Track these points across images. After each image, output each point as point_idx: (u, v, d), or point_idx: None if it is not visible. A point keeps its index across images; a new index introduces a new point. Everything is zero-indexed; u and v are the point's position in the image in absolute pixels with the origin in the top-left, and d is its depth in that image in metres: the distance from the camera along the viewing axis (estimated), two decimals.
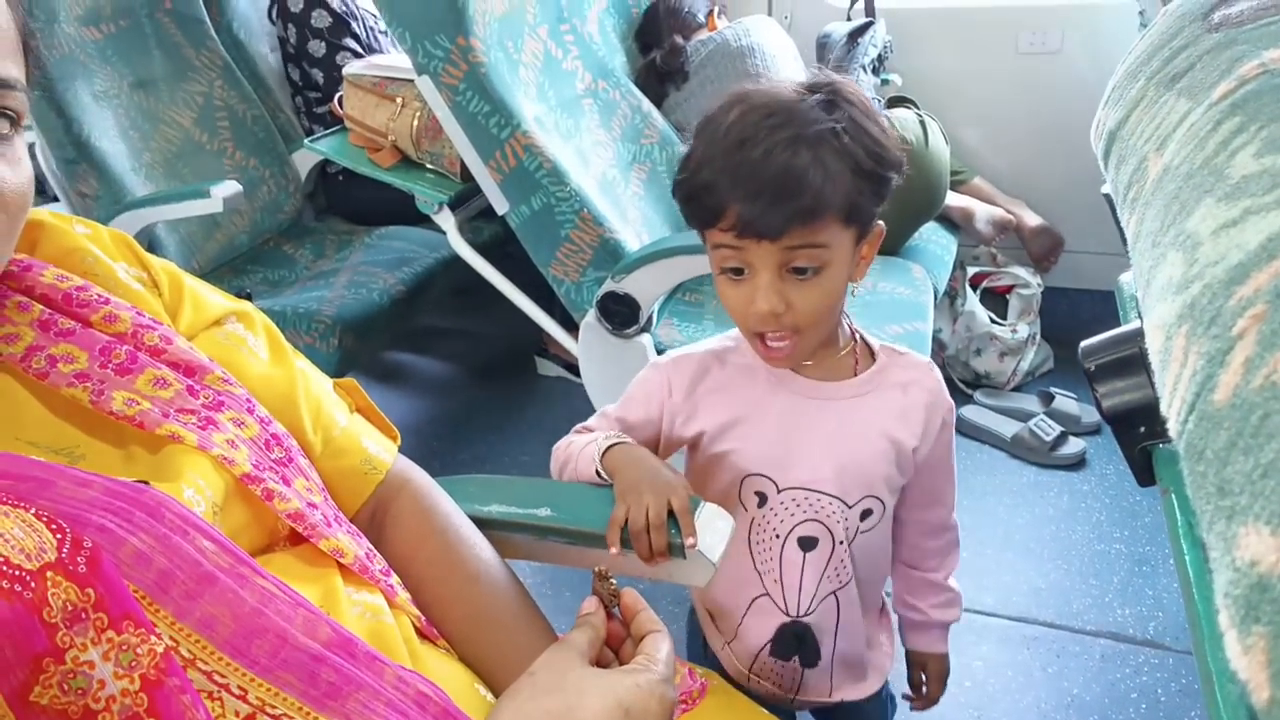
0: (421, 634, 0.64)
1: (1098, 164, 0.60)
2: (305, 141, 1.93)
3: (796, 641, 0.85)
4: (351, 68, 1.76)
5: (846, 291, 0.77)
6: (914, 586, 0.94)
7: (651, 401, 0.83)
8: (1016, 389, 2.17)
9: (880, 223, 0.76)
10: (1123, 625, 1.51)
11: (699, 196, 0.71)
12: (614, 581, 0.62)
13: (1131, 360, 0.42)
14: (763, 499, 0.82)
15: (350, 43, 2.11)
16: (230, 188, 1.59)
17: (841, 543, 0.82)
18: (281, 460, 0.62)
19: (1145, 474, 0.43)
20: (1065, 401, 2.03)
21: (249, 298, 1.67)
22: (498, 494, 0.78)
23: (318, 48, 2.12)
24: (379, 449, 0.72)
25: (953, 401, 0.86)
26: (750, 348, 0.79)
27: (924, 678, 0.98)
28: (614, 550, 0.72)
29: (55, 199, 1.76)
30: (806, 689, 0.89)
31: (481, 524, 0.73)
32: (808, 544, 0.82)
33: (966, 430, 2.03)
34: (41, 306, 0.58)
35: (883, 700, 0.96)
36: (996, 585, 1.60)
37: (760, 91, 0.72)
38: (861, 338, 0.83)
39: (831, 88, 0.71)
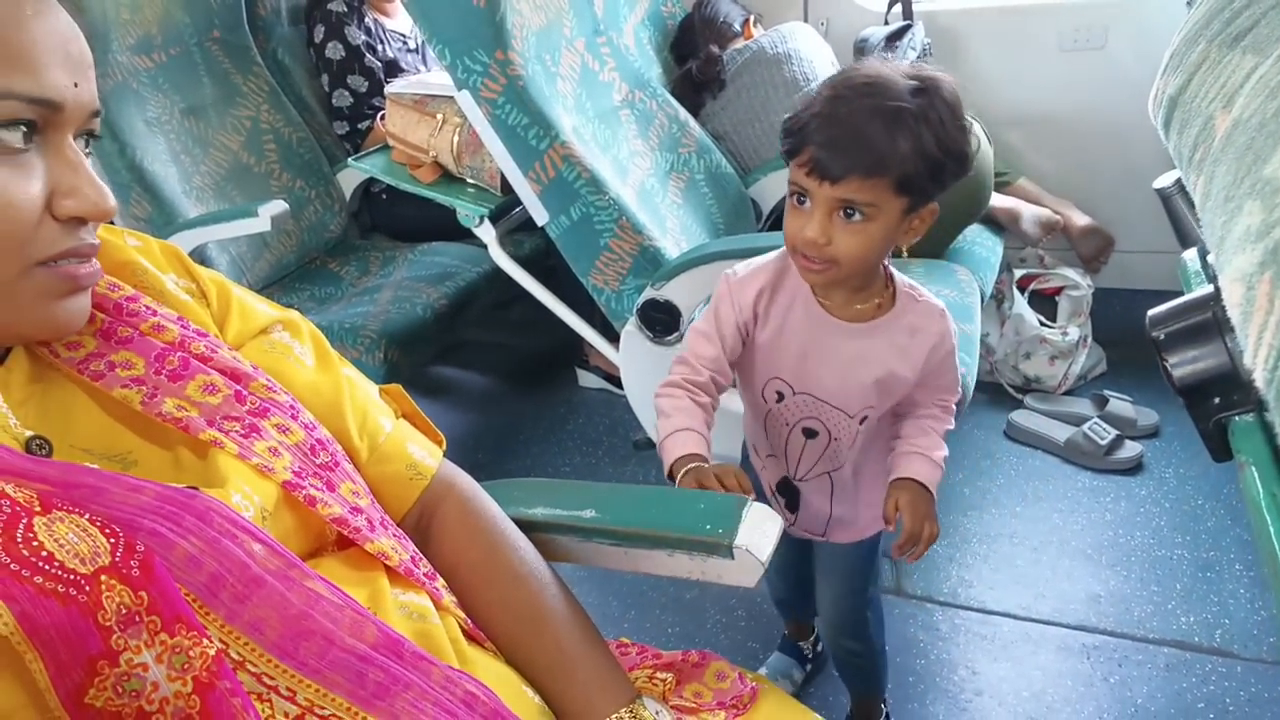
0: (469, 636, 0.64)
1: (1148, 160, 0.58)
2: (349, 160, 1.96)
3: (788, 490, 1.08)
4: (393, 87, 1.79)
5: (888, 251, 0.90)
6: (908, 431, 1.02)
7: (731, 322, 0.98)
8: (1068, 393, 2.12)
9: (934, 204, 0.87)
10: (1188, 633, 1.46)
11: (793, 133, 0.85)
12: None
13: (1204, 326, 0.40)
14: (781, 396, 1.00)
15: (355, 80, 2.13)
16: (277, 206, 1.62)
17: (837, 439, 1.00)
18: (327, 465, 0.63)
19: (1221, 449, 0.41)
20: (1120, 404, 1.98)
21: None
22: (542, 497, 0.78)
23: (325, 81, 2.16)
24: (424, 454, 0.73)
25: (954, 340, 0.98)
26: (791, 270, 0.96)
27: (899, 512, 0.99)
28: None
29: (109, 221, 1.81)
30: (802, 524, 1.11)
31: (526, 526, 0.73)
32: (810, 434, 1.01)
33: (1018, 435, 1.98)
34: (103, 315, 0.60)
35: (865, 545, 1.13)
36: (1054, 593, 1.56)
37: (875, 66, 0.86)
38: (894, 288, 0.96)
39: (932, 80, 0.83)
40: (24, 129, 0.49)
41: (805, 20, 2.31)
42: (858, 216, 0.84)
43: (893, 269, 0.96)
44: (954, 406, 1.03)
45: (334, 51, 2.12)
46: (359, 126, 2.16)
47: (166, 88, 1.86)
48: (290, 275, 2.00)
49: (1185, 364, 0.41)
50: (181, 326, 0.63)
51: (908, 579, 1.61)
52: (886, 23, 2.20)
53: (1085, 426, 1.89)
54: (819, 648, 1.44)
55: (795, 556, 1.22)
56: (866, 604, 1.20)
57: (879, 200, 0.83)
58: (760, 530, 0.69)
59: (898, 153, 0.80)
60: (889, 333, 0.95)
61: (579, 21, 1.63)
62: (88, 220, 0.53)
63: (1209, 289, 0.40)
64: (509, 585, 0.68)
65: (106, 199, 0.53)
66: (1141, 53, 2.11)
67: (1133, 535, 1.68)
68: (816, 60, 1.98)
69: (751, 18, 2.16)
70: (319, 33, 2.13)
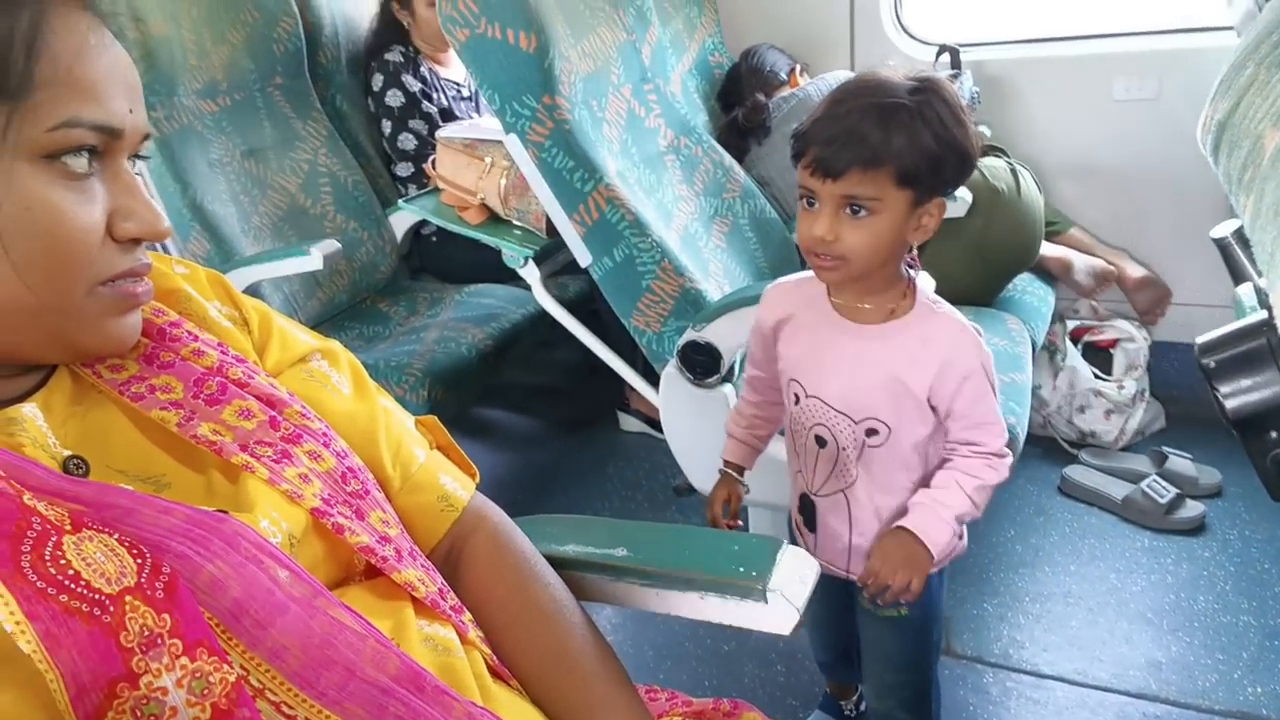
0: (494, 672, 0.63)
1: (1205, 210, 0.55)
2: (400, 202, 2.00)
3: (807, 507, 1.07)
4: (444, 131, 1.83)
5: (901, 249, 0.92)
6: (935, 479, 0.99)
7: (757, 327, 1.06)
8: (1125, 449, 2.05)
9: (942, 199, 0.90)
10: (1255, 704, 1.37)
11: (798, 138, 0.90)
12: None
13: (1258, 354, 0.37)
14: (797, 399, 1.01)
15: (416, 124, 2.19)
16: (329, 246, 1.66)
17: (844, 449, 0.99)
18: (357, 493, 0.62)
19: (1279, 486, 0.38)
20: (1180, 462, 1.90)
21: None
22: (574, 534, 0.76)
23: (385, 126, 2.22)
24: (456, 486, 0.72)
25: (979, 363, 0.94)
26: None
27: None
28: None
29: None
30: (822, 550, 1.08)
31: (557, 563, 0.72)
32: (820, 441, 1.01)
33: (1072, 491, 1.91)
34: (146, 340, 0.61)
35: (912, 619, 1.07)
36: (1112, 658, 1.49)
37: (874, 72, 0.90)
38: (916, 298, 0.96)
39: (929, 80, 0.88)
40: (87, 155, 0.51)
41: (851, 69, 2.32)
42: (863, 212, 0.87)
43: (919, 283, 0.96)
44: (994, 456, 0.97)
45: (394, 99, 2.18)
46: (424, 166, 2.21)
47: (229, 130, 1.93)
48: (341, 314, 2.03)
49: (1239, 394, 0.38)
50: (221, 352, 0.63)
51: (956, 638, 1.55)
52: None
53: (1144, 484, 1.82)
54: (861, 707, 1.39)
55: (835, 614, 1.17)
56: (929, 684, 1.14)
57: (882, 194, 0.86)
58: (795, 575, 0.67)
59: (893, 146, 0.84)
60: (899, 337, 0.95)
61: (626, 69, 1.65)
62: (142, 240, 0.55)
63: (1262, 315, 0.38)
64: (537, 622, 0.67)
65: (161, 220, 0.55)
66: (1195, 104, 2.06)
67: (1195, 599, 1.60)
68: None
69: (797, 67, 2.18)
70: (377, 81, 2.20)
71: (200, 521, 0.51)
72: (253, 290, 1.76)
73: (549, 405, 2.53)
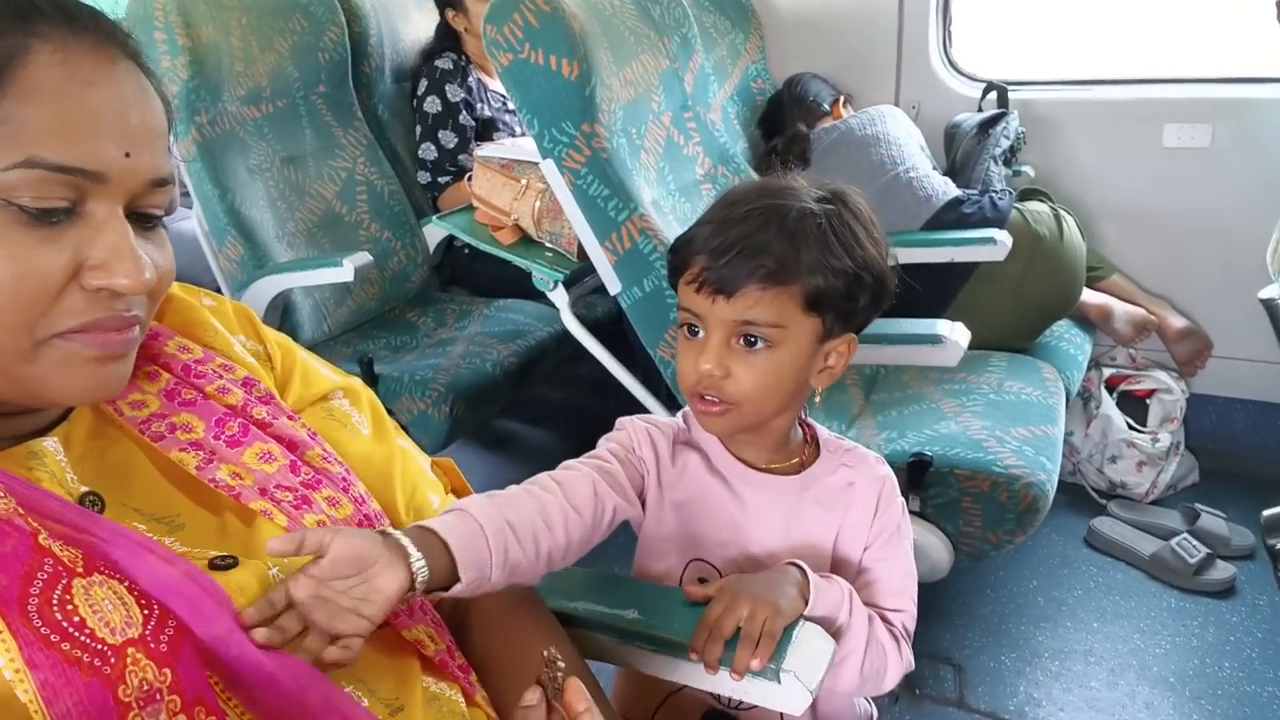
0: None
1: (1251, 263, 0.52)
2: (434, 217, 2.01)
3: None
4: (482, 150, 1.84)
5: (802, 393, 0.76)
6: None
7: (642, 450, 0.81)
8: (1156, 502, 2.00)
9: (854, 336, 0.76)
10: None
11: (679, 248, 0.74)
12: (561, 667, 0.55)
13: None
14: (702, 582, 0.79)
15: (446, 135, 2.18)
16: (361, 258, 1.67)
17: None
18: None
19: None
20: (1212, 520, 1.85)
21: (370, 362, 1.73)
22: (586, 591, 0.75)
23: (418, 132, 2.22)
24: None
25: (902, 504, 0.81)
26: (695, 423, 0.80)
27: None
28: (693, 656, 0.68)
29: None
30: None
31: (566, 620, 0.71)
32: None
33: (1099, 544, 1.87)
34: (169, 376, 0.61)
35: None
36: None
37: (773, 178, 0.77)
38: (814, 439, 0.82)
39: (838, 191, 0.75)
40: (64, 201, 0.48)
41: (896, 103, 2.29)
42: (760, 344, 0.71)
43: (813, 421, 0.83)
44: (905, 630, 0.78)
45: (431, 105, 2.19)
46: (439, 180, 2.21)
47: (270, 137, 1.94)
48: (369, 322, 2.04)
49: None
50: (246, 391, 0.63)
51: (971, 690, 1.52)
52: (980, 110, 2.17)
53: (1173, 541, 1.78)
54: None
55: None
56: None
57: (784, 319, 0.71)
58: (810, 654, 0.65)
59: (802, 261, 0.70)
60: (822, 483, 0.79)
61: (668, 96, 1.64)
62: (123, 293, 0.50)
63: None
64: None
65: (140, 274, 0.50)
66: (1248, 157, 2.03)
67: (1221, 665, 1.56)
68: (905, 144, 1.96)
69: (841, 98, 2.16)
70: (421, 86, 2.21)
71: (197, 577, 0.50)
72: (284, 297, 1.77)
73: (572, 420, 2.52)
